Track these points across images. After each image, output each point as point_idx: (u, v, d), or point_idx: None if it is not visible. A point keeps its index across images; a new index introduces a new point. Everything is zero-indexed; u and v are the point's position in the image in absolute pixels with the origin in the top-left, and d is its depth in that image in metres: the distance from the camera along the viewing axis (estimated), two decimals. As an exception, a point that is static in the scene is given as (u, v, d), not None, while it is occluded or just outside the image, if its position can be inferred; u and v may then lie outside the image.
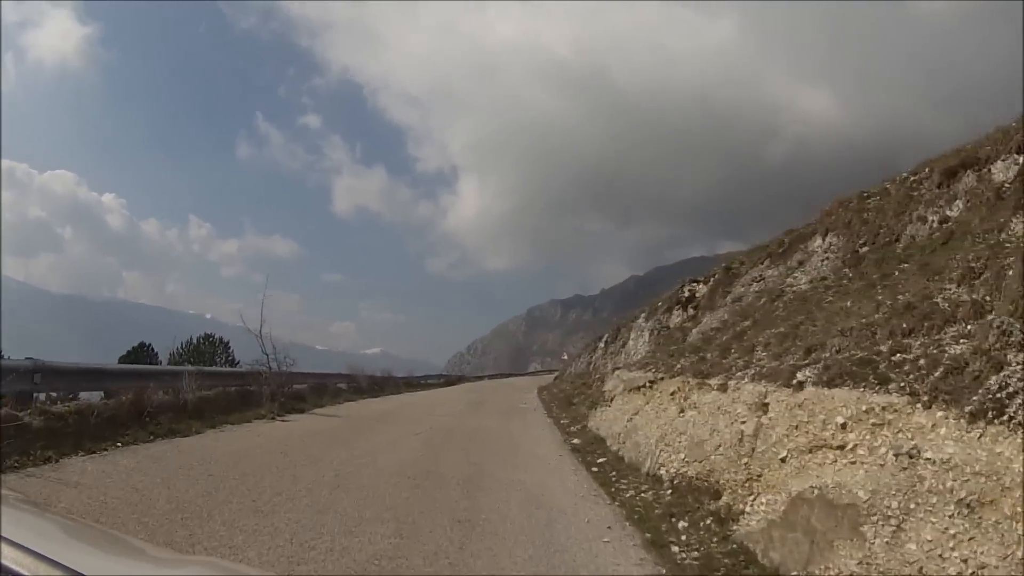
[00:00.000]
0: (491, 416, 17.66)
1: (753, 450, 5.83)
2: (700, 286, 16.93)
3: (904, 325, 5.31)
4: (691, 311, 16.53)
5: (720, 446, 6.49)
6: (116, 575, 1.42)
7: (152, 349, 25.77)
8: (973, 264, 5.90)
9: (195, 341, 28.61)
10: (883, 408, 4.37)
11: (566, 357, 49.84)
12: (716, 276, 16.12)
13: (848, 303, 7.43)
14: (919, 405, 4.08)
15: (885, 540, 3.80)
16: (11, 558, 1.17)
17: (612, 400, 13.70)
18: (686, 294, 17.09)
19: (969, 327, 4.69)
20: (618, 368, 15.90)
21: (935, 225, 8.86)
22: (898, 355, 4.87)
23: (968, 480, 3.49)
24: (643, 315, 19.15)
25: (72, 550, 1.53)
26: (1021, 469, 3.24)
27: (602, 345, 27.98)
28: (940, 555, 3.45)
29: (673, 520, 6.32)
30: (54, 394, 9.79)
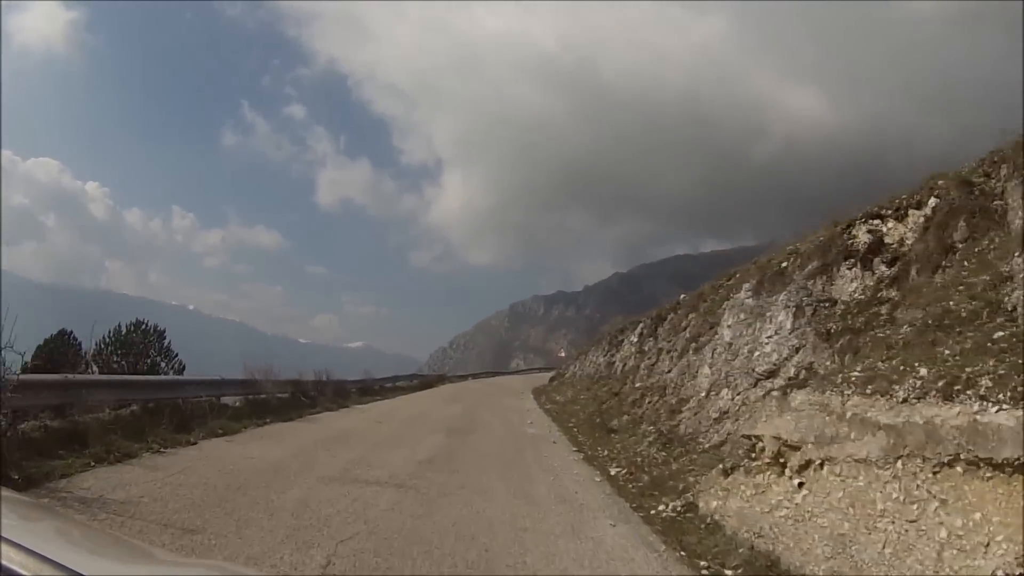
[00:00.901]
0: (490, 470, 9.22)
1: None
2: (893, 225, 8.55)
3: None
4: (883, 268, 8.20)
5: None
6: None
7: (74, 336, 20.88)
8: None
9: (124, 329, 21.77)
10: None
11: (563, 354, 41.99)
12: (945, 195, 7.80)
13: None
14: None
15: None
16: (12, 559, 1.16)
17: (789, 465, 5.44)
18: (862, 238, 8.67)
19: None
20: (788, 389, 7.57)
21: None
22: None
23: None
24: (748, 285, 10.64)
25: (73, 552, 1.51)
26: None
27: (635, 338, 19.61)
28: None
29: None
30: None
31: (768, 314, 9.51)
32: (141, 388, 10.77)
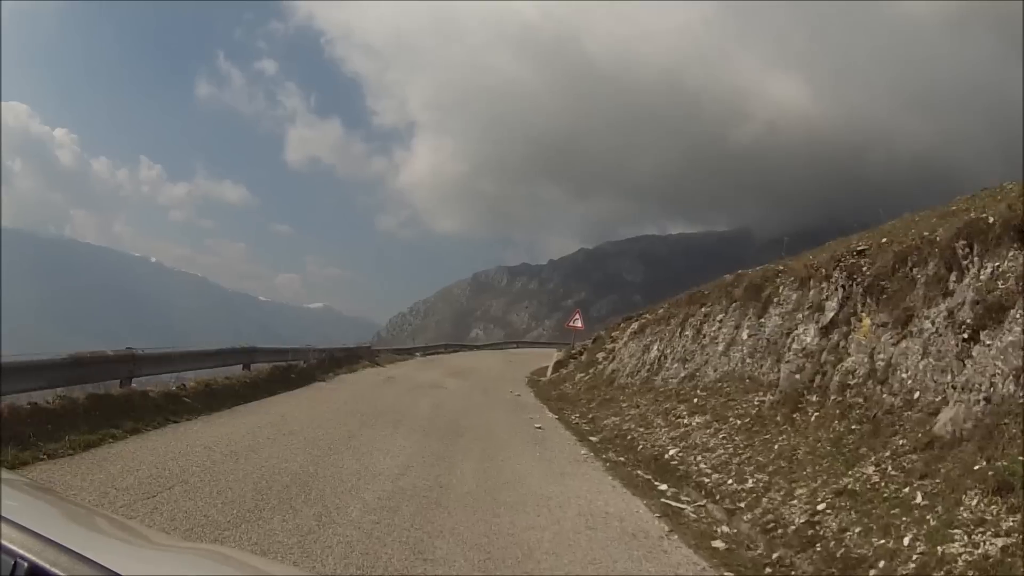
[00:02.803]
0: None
1: None
2: None
3: None
4: None
5: None
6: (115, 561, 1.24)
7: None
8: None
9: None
10: None
11: (579, 324, 30.16)
12: None
13: None
14: None
15: None
16: (12, 539, 1.14)
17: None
18: None
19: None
20: None
21: None
22: None
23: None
24: None
25: (73, 532, 1.50)
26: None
27: (717, 324, 11.83)
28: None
29: None
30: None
31: None
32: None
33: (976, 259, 5.78)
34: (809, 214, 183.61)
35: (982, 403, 4.91)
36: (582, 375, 20.00)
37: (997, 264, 5.50)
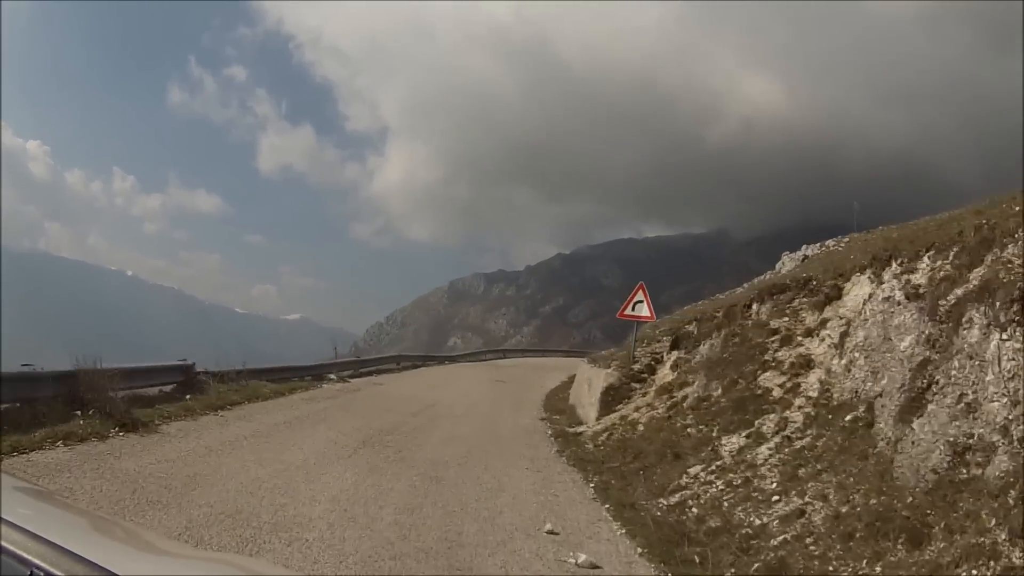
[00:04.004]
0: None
1: None
2: None
3: None
4: None
5: None
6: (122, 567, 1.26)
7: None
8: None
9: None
10: None
11: (649, 313, 15.68)
12: None
13: None
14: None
15: None
16: (13, 541, 1.16)
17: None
18: None
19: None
20: None
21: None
22: None
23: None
24: None
25: (75, 536, 1.46)
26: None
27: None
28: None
29: None
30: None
31: None
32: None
33: None
34: (786, 213, 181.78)
35: None
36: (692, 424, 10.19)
37: None
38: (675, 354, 13.72)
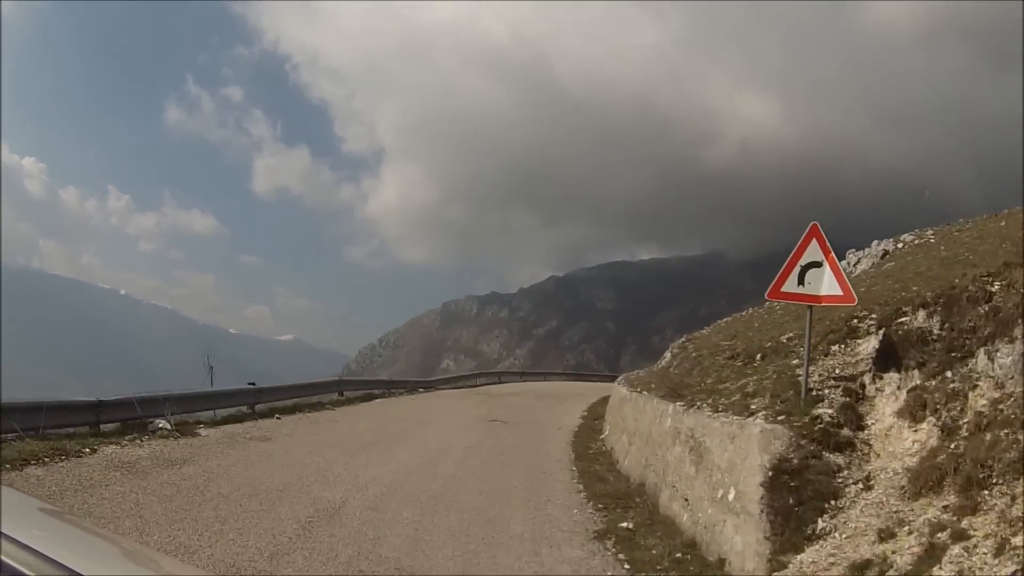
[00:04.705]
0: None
1: None
2: None
3: None
4: None
5: None
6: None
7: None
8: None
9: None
10: None
11: (843, 291, 7.03)
12: None
13: None
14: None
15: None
16: (11, 555, 1.14)
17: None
18: None
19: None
20: None
21: None
22: None
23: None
24: None
25: (72, 551, 1.42)
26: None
27: None
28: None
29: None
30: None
31: None
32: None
33: None
34: (784, 234, 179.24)
35: None
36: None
37: None
38: (895, 377, 6.67)
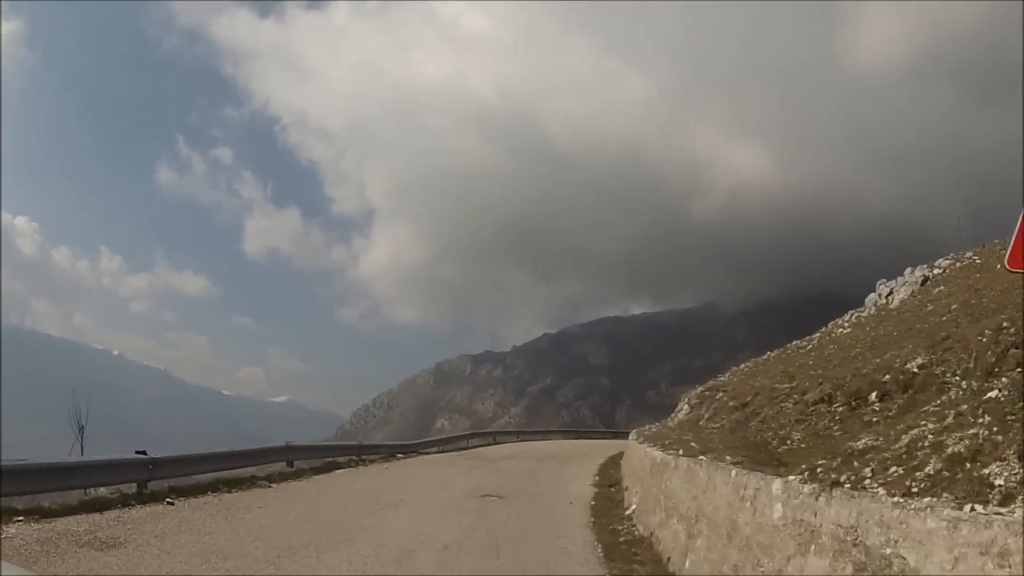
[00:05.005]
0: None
1: None
2: None
3: None
4: None
5: None
6: None
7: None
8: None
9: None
10: None
11: None
12: None
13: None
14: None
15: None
16: None
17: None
18: None
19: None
20: None
21: None
22: None
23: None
24: None
25: None
26: None
27: None
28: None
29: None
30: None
31: None
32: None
33: None
34: (776, 284, 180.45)
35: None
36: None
37: None
38: None
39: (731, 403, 10.51)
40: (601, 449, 25.72)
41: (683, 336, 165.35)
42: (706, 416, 11.58)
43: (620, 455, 19.64)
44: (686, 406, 14.73)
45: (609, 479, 16.42)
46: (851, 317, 16.95)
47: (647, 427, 18.16)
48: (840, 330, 16.15)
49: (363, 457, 20.80)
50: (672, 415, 17.73)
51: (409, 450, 24.74)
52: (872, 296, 16.86)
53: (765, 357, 17.06)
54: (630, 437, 15.98)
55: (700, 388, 15.74)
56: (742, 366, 17.45)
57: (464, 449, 28.49)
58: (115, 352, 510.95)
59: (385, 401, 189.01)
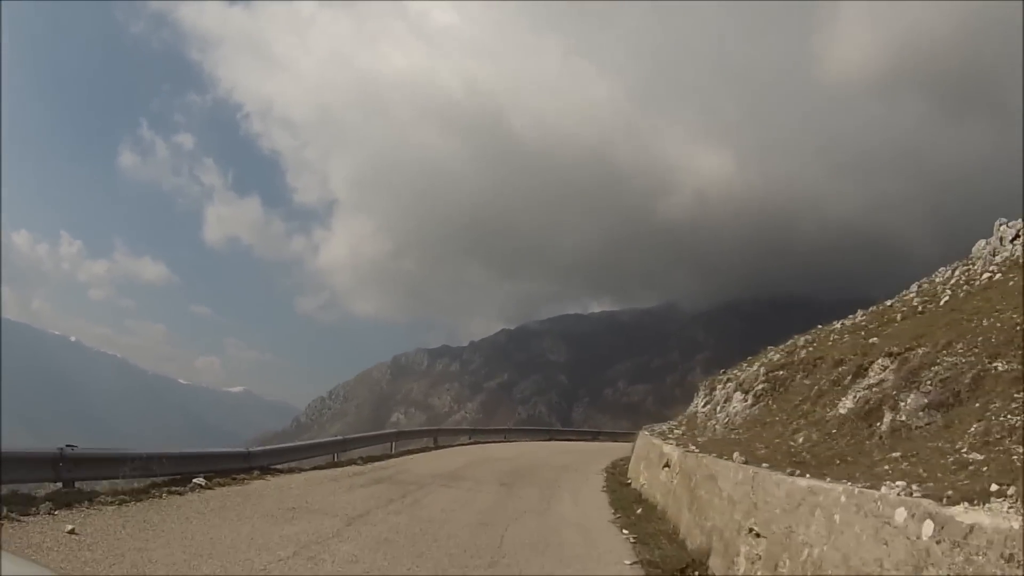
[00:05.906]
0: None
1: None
2: None
3: None
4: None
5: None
6: None
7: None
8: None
9: None
10: None
11: None
12: None
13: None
14: None
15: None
16: None
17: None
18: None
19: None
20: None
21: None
22: None
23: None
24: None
25: None
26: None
27: None
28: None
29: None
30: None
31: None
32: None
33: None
34: (738, 285, 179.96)
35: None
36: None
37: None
38: None
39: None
40: (587, 459, 20.66)
41: (642, 335, 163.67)
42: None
43: (625, 472, 16.39)
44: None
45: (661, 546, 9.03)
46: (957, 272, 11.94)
47: (666, 424, 15.36)
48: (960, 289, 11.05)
49: (248, 470, 12.46)
50: (693, 407, 16.06)
51: (248, 462, 12.89)
52: (981, 244, 12.01)
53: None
54: (663, 440, 11.76)
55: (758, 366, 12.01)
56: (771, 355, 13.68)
57: (377, 460, 17.47)
58: (72, 338, 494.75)
59: (341, 393, 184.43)
